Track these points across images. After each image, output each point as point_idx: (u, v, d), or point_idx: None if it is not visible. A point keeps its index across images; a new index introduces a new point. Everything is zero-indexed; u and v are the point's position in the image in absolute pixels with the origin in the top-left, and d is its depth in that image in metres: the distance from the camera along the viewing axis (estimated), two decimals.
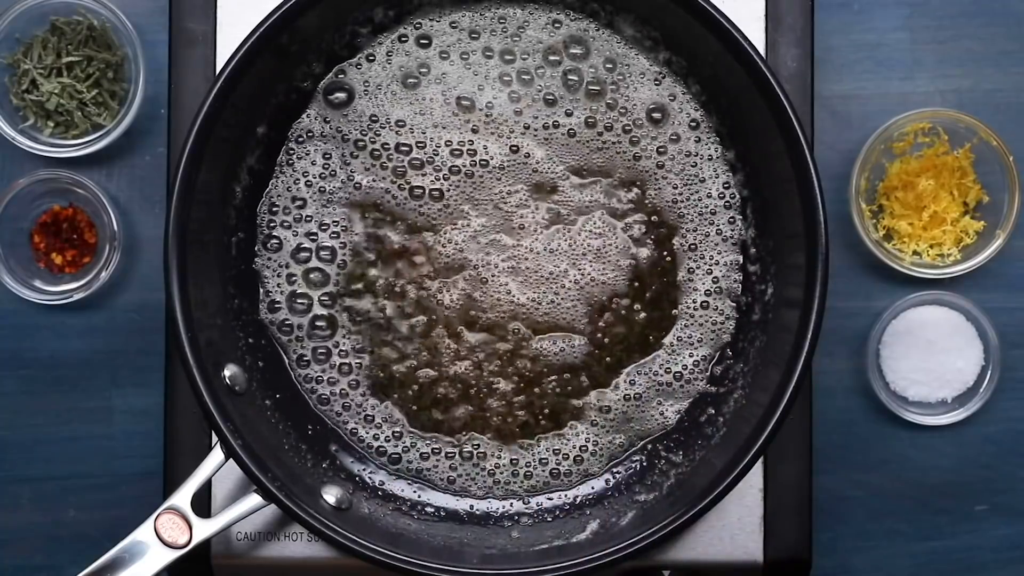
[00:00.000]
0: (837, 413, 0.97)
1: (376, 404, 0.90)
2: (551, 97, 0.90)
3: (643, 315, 0.90)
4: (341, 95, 0.90)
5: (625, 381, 0.90)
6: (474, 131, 0.90)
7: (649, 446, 0.90)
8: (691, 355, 0.90)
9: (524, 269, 0.90)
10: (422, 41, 0.90)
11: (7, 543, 0.97)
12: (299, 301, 0.90)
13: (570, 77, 0.90)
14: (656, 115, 0.90)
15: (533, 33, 0.90)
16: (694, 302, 0.90)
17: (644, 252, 0.90)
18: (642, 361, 0.90)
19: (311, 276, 0.90)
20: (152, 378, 0.94)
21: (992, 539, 0.97)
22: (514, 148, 0.90)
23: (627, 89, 0.90)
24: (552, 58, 0.90)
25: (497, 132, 0.90)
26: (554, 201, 0.90)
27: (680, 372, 0.90)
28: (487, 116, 0.90)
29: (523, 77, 0.90)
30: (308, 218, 0.90)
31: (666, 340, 0.90)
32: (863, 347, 0.96)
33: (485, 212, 0.90)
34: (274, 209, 0.90)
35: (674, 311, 0.90)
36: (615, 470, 0.90)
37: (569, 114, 0.90)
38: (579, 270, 0.90)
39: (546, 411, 0.90)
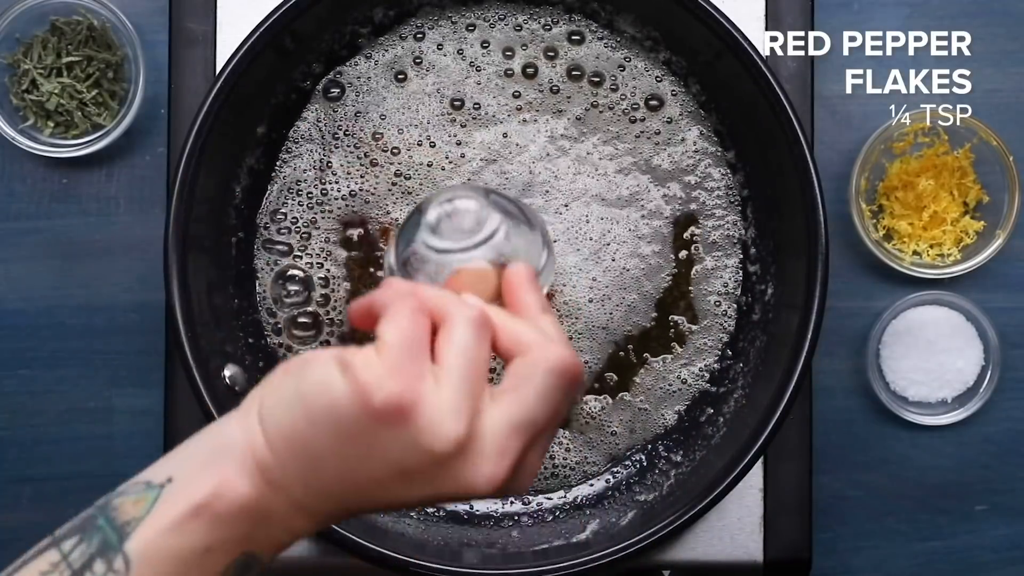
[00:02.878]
0: (837, 413, 0.96)
1: None
2: (555, 87, 0.90)
3: (650, 322, 0.90)
4: (341, 95, 0.90)
5: (634, 390, 0.90)
6: (463, 125, 0.90)
7: (649, 446, 0.90)
8: (702, 360, 0.90)
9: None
10: (418, 36, 0.90)
11: (7, 543, 0.97)
12: (297, 301, 0.90)
13: (573, 72, 0.90)
14: (655, 111, 0.90)
15: (533, 32, 0.90)
16: (705, 307, 0.90)
17: (646, 252, 0.90)
18: (652, 368, 0.90)
19: (309, 277, 0.90)
20: (152, 378, 0.94)
21: (992, 539, 0.97)
22: (506, 135, 0.90)
23: (629, 83, 0.90)
24: (551, 54, 0.90)
25: (493, 122, 0.90)
26: (551, 193, 0.90)
27: (687, 378, 0.90)
28: (478, 110, 0.90)
29: (527, 71, 0.90)
30: (308, 219, 0.90)
31: (678, 349, 0.90)
32: (863, 347, 0.96)
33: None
34: (273, 209, 0.90)
35: (685, 318, 0.90)
36: (615, 470, 0.90)
37: (564, 110, 0.90)
38: (580, 272, 0.90)
39: None
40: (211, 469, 0.58)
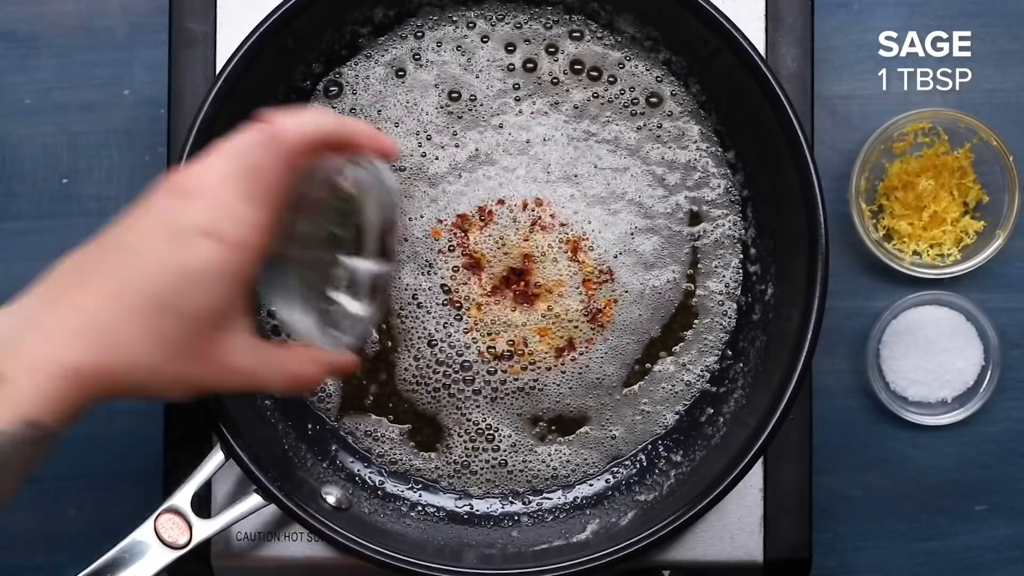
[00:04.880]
0: (837, 413, 0.96)
1: (376, 404, 0.90)
2: (556, 79, 0.90)
3: (652, 322, 0.90)
4: (340, 92, 0.90)
5: (635, 390, 0.90)
6: (459, 117, 0.90)
7: (649, 446, 0.90)
8: (703, 360, 0.90)
9: (519, 265, 0.90)
10: (418, 36, 0.90)
11: (7, 543, 0.97)
12: None
13: (575, 66, 0.90)
14: (655, 107, 0.90)
15: (535, 31, 0.90)
16: (706, 307, 0.90)
17: (645, 251, 0.90)
18: (653, 368, 0.90)
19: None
20: None
21: (992, 539, 0.97)
22: (502, 126, 0.90)
23: (629, 82, 0.90)
24: (551, 50, 0.90)
25: (490, 114, 0.90)
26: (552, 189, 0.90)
27: (688, 378, 0.90)
28: (474, 101, 0.90)
29: (527, 66, 0.90)
30: None
31: (679, 349, 0.90)
32: (863, 347, 0.96)
33: (490, 197, 0.90)
34: None
35: (686, 318, 0.90)
36: (615, 470, 0.90)
37: (563, 104, 0.90)
38: (580, 271, 0.90)
39: (549, 416, 0.90)
40: None
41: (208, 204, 0.68)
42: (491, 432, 0.90)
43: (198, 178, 0.69)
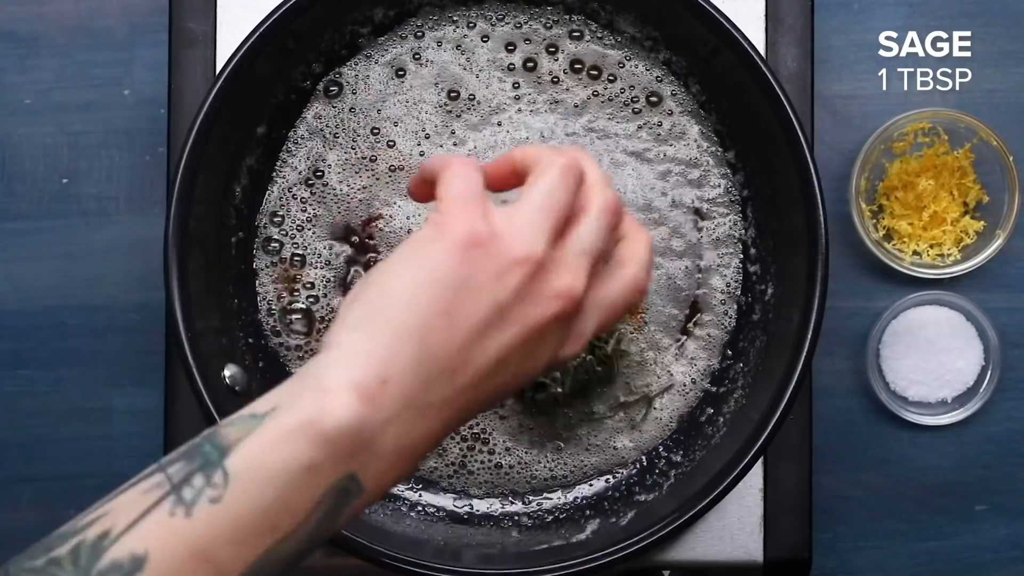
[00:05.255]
0: (837, 413, 0.96)
1: None
2: (556, 78, 0.90)
3: (655, 325, 0.90)
4: (340, 92, 0.90)
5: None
6: (458, 116, 0.90)
7: (649, 446, 0.90)
8: (703, 360, 0.90)
9: None
10: (418, 35, 0.90)
11: (7, 543, 0.96)
12: (295, 301, 0.90)
13: (575, 65, 0.90)
14: (655, 106, 0.90)
15: (535, 31, 0.90)
16: (706, 307, 0.90)
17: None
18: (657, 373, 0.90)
19: (308, 276, 0.90)
20: (152, 378, 0.94)
21: (992, 539, 0.97)
22: (500, 124, 0.90)
23: (629, 81, 0.90)
24: (551, 50, 0.90)
25: (490, 112, 0.90)
26: None
27: (693, 378, 0.90)
28: (473, 100, 0.90)
29: (527, 65, 0.90)
30: (307, 218, 0.90)
31: (680, 349, 0.91)
32: (863, 347, 0.96)
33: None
34: (273, 209, 0.90)
35: (687, 318, 0.90)
36: (615, 470, 0.90)
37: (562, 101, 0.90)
38: None
39: (549, 415, 0.90)
40: (314, 392, 0.59)
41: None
42: (485, 436, 0.90)
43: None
